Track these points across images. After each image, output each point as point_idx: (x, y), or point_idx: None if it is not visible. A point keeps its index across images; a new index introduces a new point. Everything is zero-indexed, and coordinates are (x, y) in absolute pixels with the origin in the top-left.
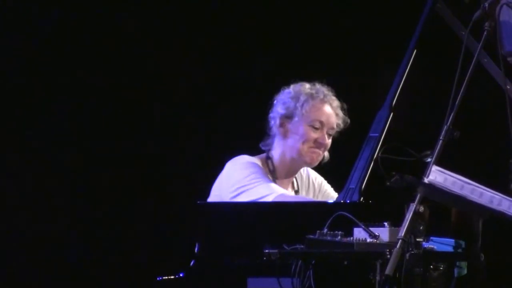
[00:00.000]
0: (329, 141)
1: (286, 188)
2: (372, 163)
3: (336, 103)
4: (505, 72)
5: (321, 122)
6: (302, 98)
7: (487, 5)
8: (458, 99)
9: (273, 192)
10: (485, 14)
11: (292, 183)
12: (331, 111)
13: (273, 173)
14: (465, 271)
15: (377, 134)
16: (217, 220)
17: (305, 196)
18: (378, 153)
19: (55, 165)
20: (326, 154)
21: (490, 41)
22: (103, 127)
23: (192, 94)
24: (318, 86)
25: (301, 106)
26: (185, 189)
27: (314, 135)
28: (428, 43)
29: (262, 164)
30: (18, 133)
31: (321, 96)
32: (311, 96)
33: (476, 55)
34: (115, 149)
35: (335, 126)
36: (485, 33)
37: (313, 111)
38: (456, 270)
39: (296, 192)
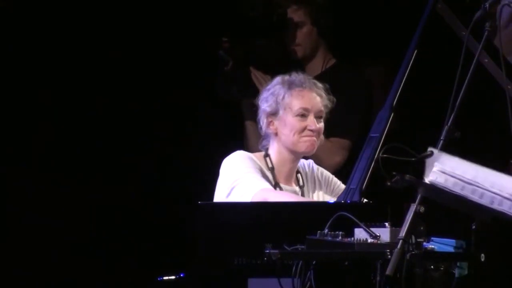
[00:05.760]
0: (320, 125)
1: (290, 185)
2: (373, 164)
3: (316, 85)
4: (506, 72)
5: (306, 109)
6: (281, 92)
7: (488, 5)
8: (458, 99)
9: (256, 188)
10: (486, 15)
11: (297, 179)
12: (313, 95)
13: (272, 170)
14: (466, 272)
15: (377, 135)
16: (218, 220)
17: (312, 192)
18: (379, 153)
19: (54, 163)
20: (322, 137)
21: (491, 42)
22: (104, 126)
23: (192, 94)
24: (294, 75)
25: (282, 100)
26: (186, 189)
27: (303, 123)
28: (429, 43)
29: (261, 160)
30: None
31: (299, 83)
32: (289, 87)
33: (477, 56)
34: (115, 149)
35: (322, 109)
36: (486, 33)
37: (295, 100)
38: (457, 271)
39: (301, 187)
